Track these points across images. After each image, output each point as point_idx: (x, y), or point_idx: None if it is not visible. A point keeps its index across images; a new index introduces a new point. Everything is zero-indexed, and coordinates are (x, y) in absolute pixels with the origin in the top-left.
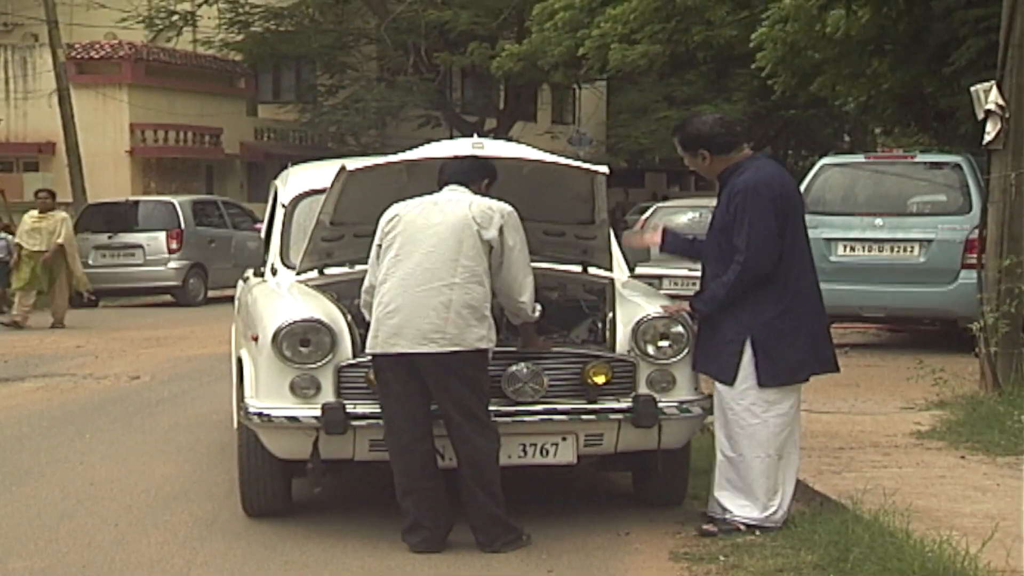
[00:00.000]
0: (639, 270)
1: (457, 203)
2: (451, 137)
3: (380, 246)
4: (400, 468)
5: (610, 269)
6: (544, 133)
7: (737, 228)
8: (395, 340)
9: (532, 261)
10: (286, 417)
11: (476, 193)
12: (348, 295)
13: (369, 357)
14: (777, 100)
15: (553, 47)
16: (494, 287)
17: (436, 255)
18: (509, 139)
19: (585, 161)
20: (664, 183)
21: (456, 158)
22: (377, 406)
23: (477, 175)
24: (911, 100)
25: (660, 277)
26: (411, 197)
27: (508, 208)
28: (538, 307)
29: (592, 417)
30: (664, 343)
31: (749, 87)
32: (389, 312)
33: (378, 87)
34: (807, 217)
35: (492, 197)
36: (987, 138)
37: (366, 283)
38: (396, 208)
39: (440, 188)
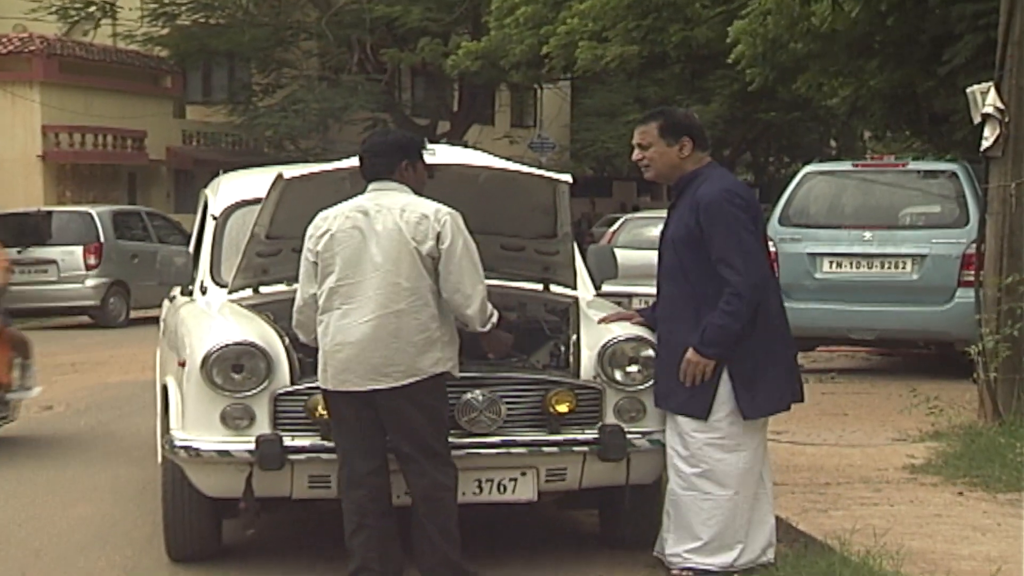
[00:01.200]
0: (607, 288)
1: (388, 214)
2: None
3: (315, 263)
4: (351, 504)
5: (574, 287)
6: (502, 137)
7: (719, 248)
8: (344, 376)
9: (488, 278)
10: (216, 451)
11: (403, 181)
12: (285, 316)
13: (308, 385)
14: (756, 101)
15: (514, 45)
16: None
17: (376, 281)
18: (464, 144)
19: (547, 169)
20: (634, 193)
21: (365, 144)
22: (317, 438)
23: (394, 159)
24: (903, 101)
25: (630, 296)
26: None
27: (445, 211)
28: (493, 314)
29: (554, 449)
30: (633, 368)
31: (728, 89)
32: (336, 346)
33: (319, 87)
34: (789, 231)
35: (442, 201)
36: (985, 144)
37: (298, 300)
38: (325, 223)
39: (367, 182)
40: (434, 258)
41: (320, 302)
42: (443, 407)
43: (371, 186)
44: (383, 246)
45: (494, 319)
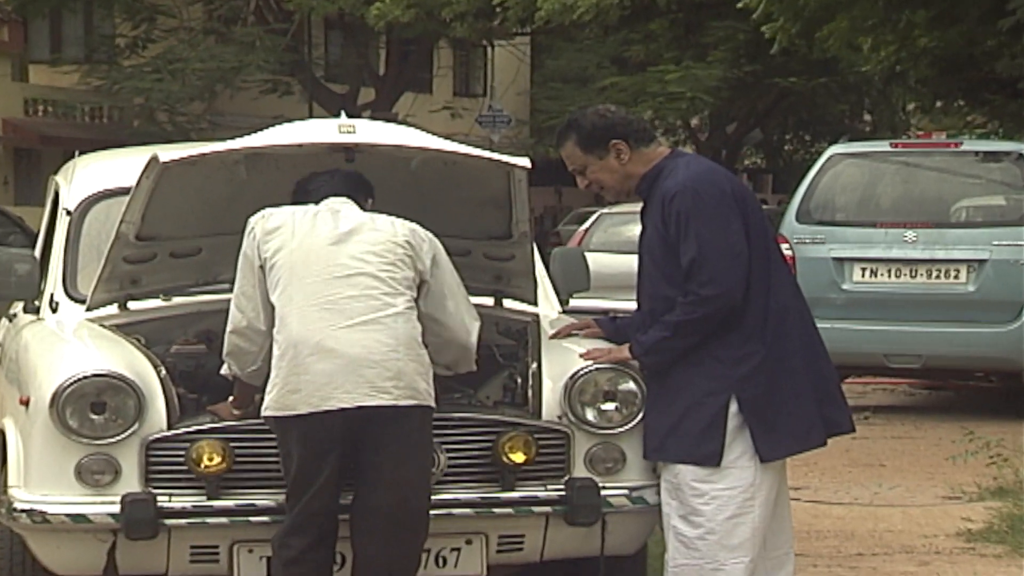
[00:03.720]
0: (576, 303)
1: (372, 218)
2: (310, 112)
3: (262, 267)
4: None
5: (534, 302)
6: (442, 109)
7: (688, 250)
8: (329, 392)
9: None
10: (69, 515)
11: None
12: (162, 339)
13: (191, 429)
14: (770, 61)
15: None
16: (426, 332)
17: (364, 282)
18: (392, 118)
19: (500, 150)
20: None
21: (324, 174)
22: (202, 497)
23: (360, 192)
24: (957, 64)
25: (607, 313)
26: (252, 199)
27: (424, 232)
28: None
29: (508, 511)
30: (609, 406)
31: (732, 43)
32: (313, 354)
33: (204, 42)
34: (810, 229)
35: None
36: None
37: (239, 320)
38: (277, 217)
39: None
40: (425, 281)
41: (279, 307)
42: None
43: (328, 202)
44: (369, 240)
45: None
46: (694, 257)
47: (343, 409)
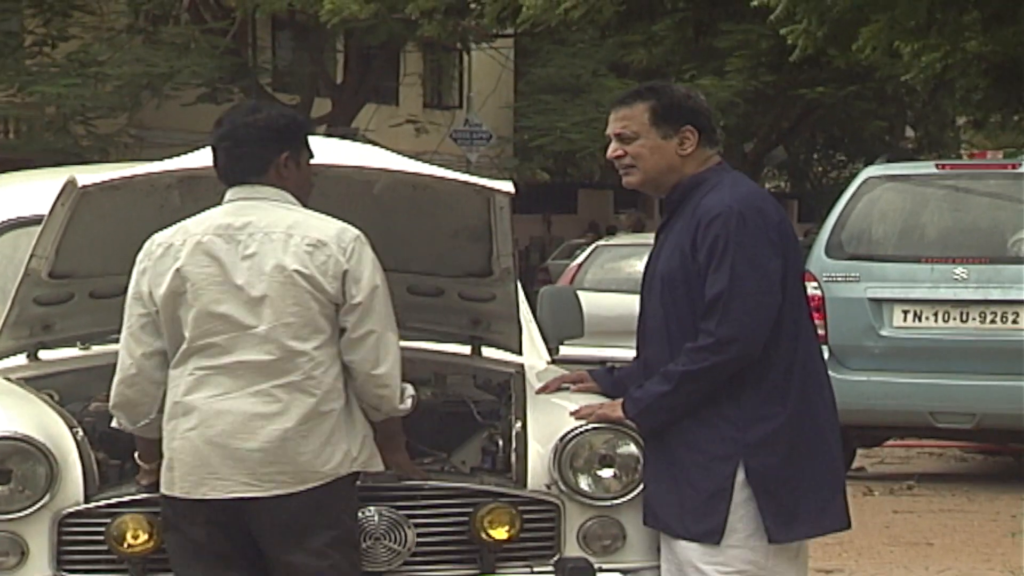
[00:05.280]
0: (568, 351)
1: (264, 239)
2: None
3: (152, 313)
4: None
5: (518, 350)
6: (409, 122)
7: (718, 282)
8: (201, 477)
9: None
10: None
11: (281, 185)
12: (79, 395)
13: (112, 500)
14: (796, 70)
15: None
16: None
17: (251, 340)
18: (352, 134)
19: (478, 172)
20: (609, 206)
21: (222, 127)
22: None
23: (269, 150)
24: (1015, 72)
25: (603, 363)
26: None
27: (351, 234)
28: (409, 390)
29: None
30: (606, 473)
31: (751, 50)
32: (189, 432)
33: (130, 42)
34: (842, 265)
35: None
36: None
37: (124, 367)
38: (166, 253)
39: (227, 187)
40: (338, 305)
41: (172, 365)
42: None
43: (231, 193)
44: (260, 287)
45: (411, 392)
46: (721, 291)
47: (217, 500)
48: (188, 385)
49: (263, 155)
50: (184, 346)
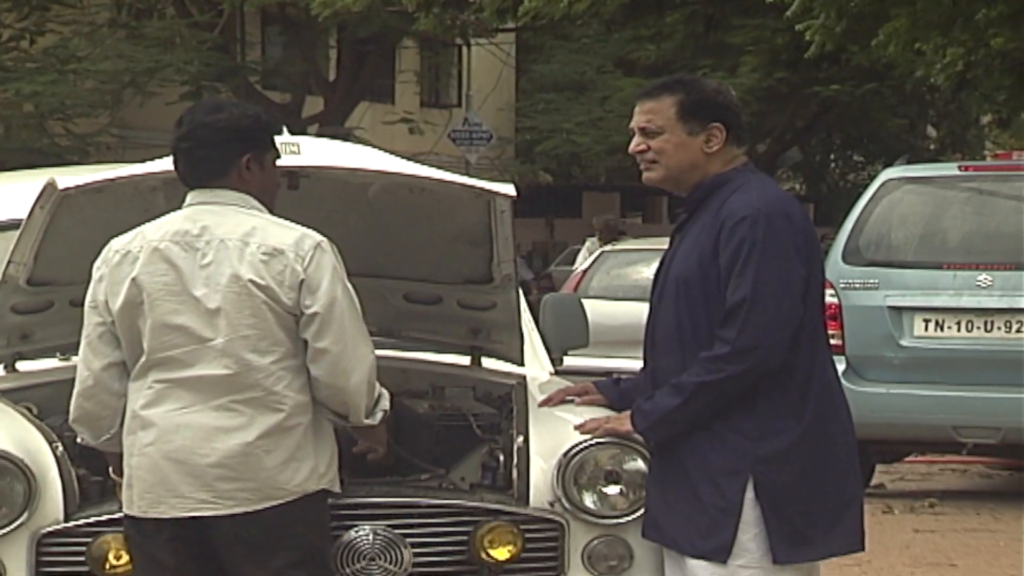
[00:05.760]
0: (572, 362)
1: (221, 246)
2: None
3: (109, 323)
4: None
5: (519, 361)
6: (404, 120)
7: (741, 289)
8: (159, 495)
9: (385, 348)
10: None
11: (243, 189)
12: (59, 408)
13: (92, 519)
14: (812, 67)
15: None
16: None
17: (209, 354)
18: (345, 135)
19: (478, 174)
20: (616, 208)
21: (181, 126)
22: None
23: (230, 151)
24: None
25: (609, 374)
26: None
27: (311, 240)
28: (384, 396)
29: None
30: (612, 490)
31: (766, 45)
32: (147, 449)
33: (111, 37)
34: (860, 272)
35: (309, 225)
36: None
37: (82, 379)
38: (122, 261)
39: (187, 190)
40: (296, 316)
41: (131, 377)
42: (324, 546)
43: (191, 197)
44: (216, 299)
45: (385, 405)
46: (743, 298)
47: (177, 519)
48: (147, 399)
49: (224, 157)
50: (143, 358)
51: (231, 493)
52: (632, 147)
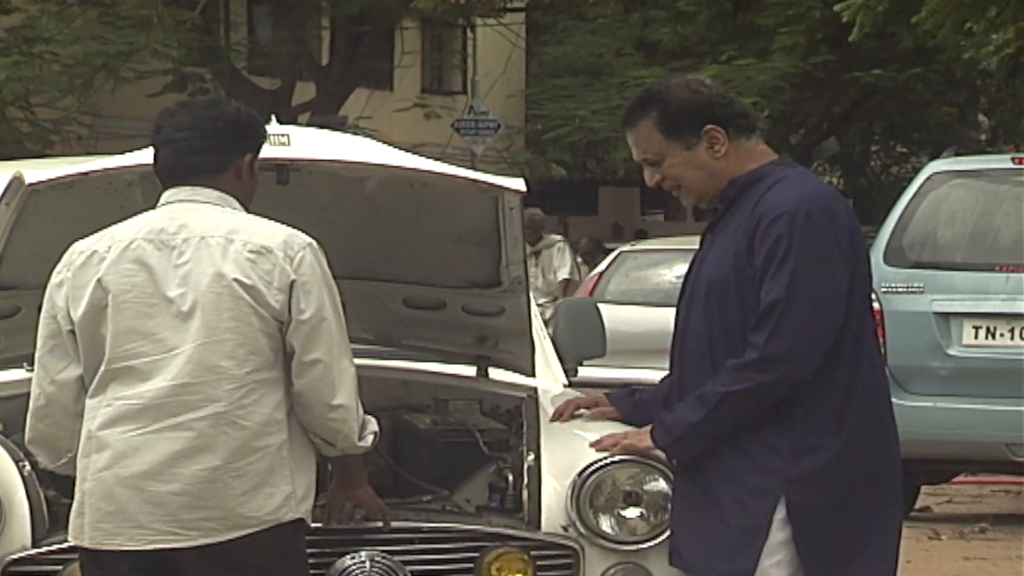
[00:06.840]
0: (588, 373)
1: (201, 244)
2: None
3: (70, 331)
4: None
5: (530, 372)
6: (406, 109)
7: (776, 289)
8: (115, 526)
9: (384, 357)
10: None
11: (231, 191)
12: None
13: (61, 546)
14: (850, 50)
15: None
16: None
17: (179, 363)
18: (340, 124)
19: (485, 167)
20: (635, 206)
21: (169, 120)
22: None
23: (231, 151)
24: None
25: (625, 386)
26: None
27: (300, 241)
28: (372, 424)
29: None
30: (632, 512)
31: (800, 27)
32: (102, 474)
33: (83, 17)
34: (904, 274)
35: (297, 227)
36: None
37: (37, 395)
38: (87, 262)
39: (164, 187)
40: (282, 323)
41: (90, 391)
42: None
43: (169, 194)
44: (192, 300)
45: (374, 428)
46: (777, 300)
47: (134, 551)
48: (104, 417)
49: (227, 153)
50: (102, 369)
51: (196, 523)
52: (648, 181)
